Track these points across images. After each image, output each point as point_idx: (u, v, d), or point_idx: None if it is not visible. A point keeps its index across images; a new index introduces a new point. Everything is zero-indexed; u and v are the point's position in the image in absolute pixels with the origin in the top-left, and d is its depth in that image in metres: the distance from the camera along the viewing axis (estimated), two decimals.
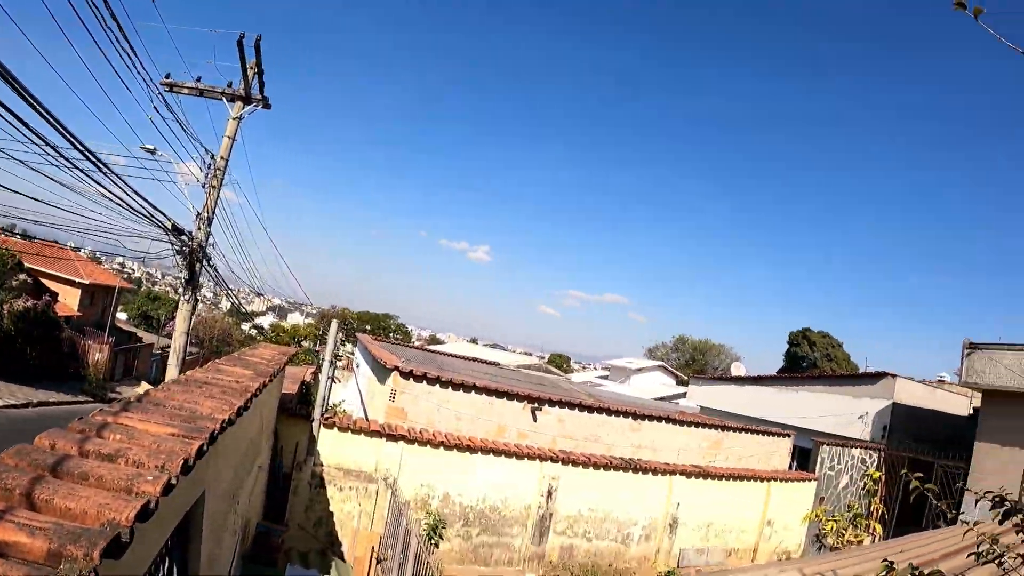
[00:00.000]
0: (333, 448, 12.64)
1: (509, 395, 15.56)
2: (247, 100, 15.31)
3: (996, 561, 3.41)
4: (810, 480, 19.60)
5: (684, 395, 36.95)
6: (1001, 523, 3.37)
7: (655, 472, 15.98)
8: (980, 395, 19.21)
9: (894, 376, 22.93)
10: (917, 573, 2.98)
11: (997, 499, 3.40)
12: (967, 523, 3.83)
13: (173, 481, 2.73)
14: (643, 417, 17.46)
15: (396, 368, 14.36)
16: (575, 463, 14.80)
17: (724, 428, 19.52)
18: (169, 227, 12.94)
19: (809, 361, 53.37)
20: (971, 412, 22.70)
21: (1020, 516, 3.26)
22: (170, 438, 3.34)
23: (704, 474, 16.84)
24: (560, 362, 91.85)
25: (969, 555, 3.78)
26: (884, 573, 3.23)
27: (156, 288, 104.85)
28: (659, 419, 17.85)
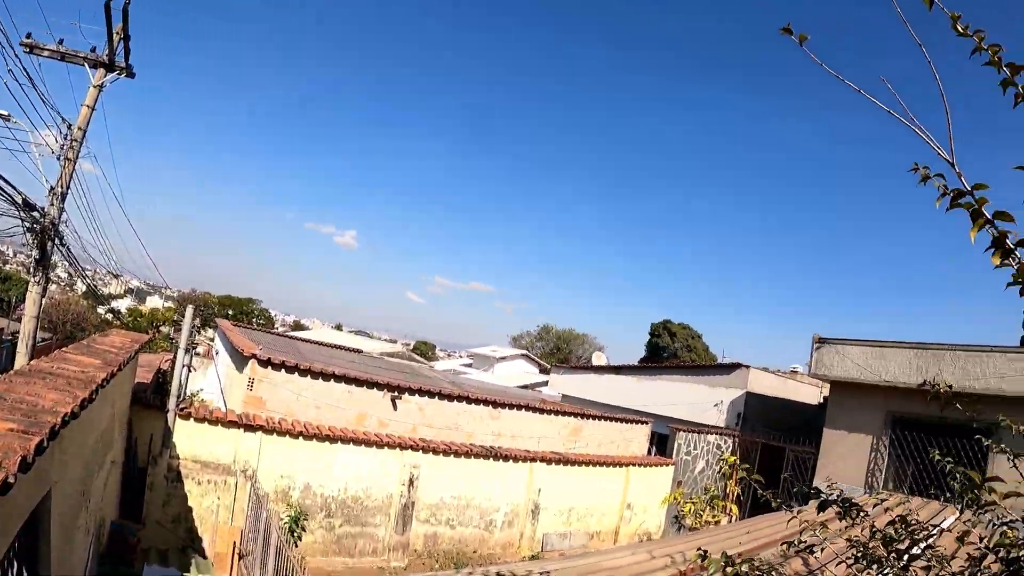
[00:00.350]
0: (190, 440, 12.51)
1: (369, 383, 15.79)
2: (110, 67, 14.72)
3: (807, 551, 3.75)
4: (668, 465, 20.77)
5: (547, 383, 37.76)
6: (818, 513, 3.69)
7: (516, 459, 16.65)
8: (828, 386, 20.60)
9: (748, 367, 24.41)
10: (728, 561, 3.14)
11: (814, 491, 3.72)
12: (790, 510, 4.23)
13: (11, 480, 2.77)
14: (503, 405, 18.12)
15: (254, 356, 14.26)
16: (436, 451, 15.21)
17: (583, 416, 20.50)
18: (19, 201, 12.41)
19: (670, 351, 55.57)
20: (821, 401, 24.21)
21: (836, 505, 3.59)
22: (8, 434, 3.29)
23: (564, 460, 17.69)
24: (425, 349, 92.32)
25: (781, 544, 4.08)
26: (698, 561, 3.40)
27: (7, 268, 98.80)
28: (518, 407, 18.56)
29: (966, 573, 2.81)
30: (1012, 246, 2.07)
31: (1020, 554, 2.57)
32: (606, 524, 19.13)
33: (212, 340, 31.19)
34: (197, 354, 22.51)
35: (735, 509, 20.78)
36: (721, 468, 21.68)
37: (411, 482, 14.89)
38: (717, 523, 19.79)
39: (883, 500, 4.15)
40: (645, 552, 7.31)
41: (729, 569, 3.09)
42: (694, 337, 57.51)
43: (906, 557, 3.01)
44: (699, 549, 3.43)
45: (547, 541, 17.45)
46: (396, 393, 16.05)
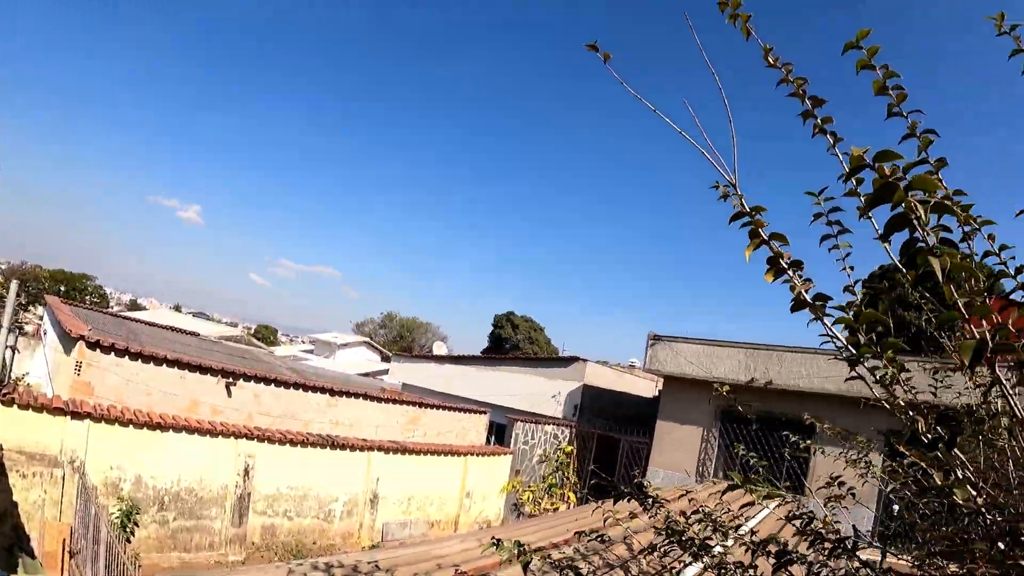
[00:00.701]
0: (14, 428, 11.89)
1: (203, 369, 15.57)
2: None
3: (598, 538, 4.10)
4: (506, 454, 21.39)
5: (388, 372, 37.98)
6: (614, 503, 4.02)
7: (353, 448, 16.80)
8: (662, 380, 21.93)
9: (585, 360, 25.64)
10: (521, 549, 3.26)
11: (611, 484, 4.05)
12: (594, 500, 4.62)
13: None
14: (340, 393, 18.29)
15: (82, 337, 13.73)
16: (272, 440, 15.18)
17: (422, 405, 21.08)
18: None
19: (512, 343, 56.91)
20: (656, 394, 25.48)
21: (633, 498, 3.96)
22: None
23: (403, 449, 18.05)
24: (267, 334, 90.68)
25: (575, 533, 4.40)
26: (490, 548, 3.48)
27: None
28: (356, 395, 18.78)
29: (747, 565, 2.91)
30: (785, 265, 2.17)
31: (787, 548, 2.69)
32: (446, 512, 19.71)
33: (42, 319, 29.76)
34: (24, 334, 21.58)
35: (573, 497, 21.69)
36: (558, 457, 22.57)
37: (247, 472, 14.88)
38: (556, 510, 20.54)
39: (687, 491, 4.54)
40: (475, 540, 7.64)
41: (522, 557, 3.12)
42: (536, 329, 59.35)
43: (696, 545, 3.09)
44: (492, 537, 3.39)
45: (387, 530, 17.80)
46: (231, 379, 15.91)
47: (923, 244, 1.68)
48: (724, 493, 3.15)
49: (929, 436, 2.04)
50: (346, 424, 18.29)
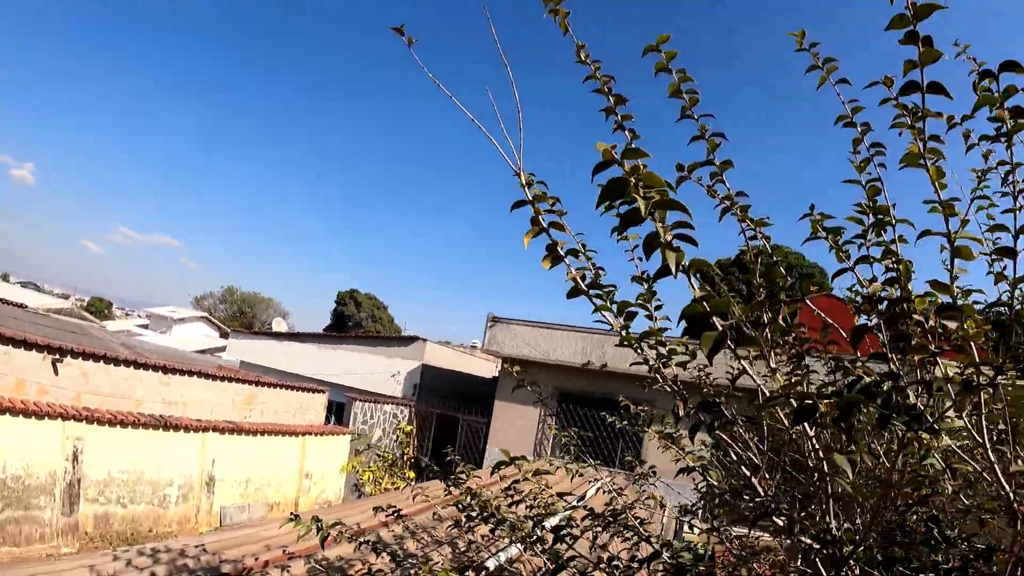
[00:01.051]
0: None
1: (27, 344, 14.75)
2: None
3: (394, 515, 4.35)
4: (345, 434, 21.61)
5: (226, 349, 37.26)
6: (417, 482, 4.35)
7: (187, 429, 16.61)
8: (501, 361, 22.81)
9: (425, 340, 26.32)
10: (319, 526, 3.47)
11: (419, 461, 4.40)
12: (412, 485, 4.93)
13: None
14: (174, 371, 17.81)
15: None
16: (101, 421, 14.79)
17: (259, 383, 20.83)
18: None
19: (355, 321, 56.95)
20: (496, 375, 26.26)
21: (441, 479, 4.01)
22: None
23: (239, 430, 18.02)
24: (101, 307, 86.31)
25: (373, 508, 4.63)
26: (289, 524, 3.72)
27: None
28: (191, 373, 18.35)
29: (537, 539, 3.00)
30: (563, 254, 2.16)
31: (565, 524, 2.79)
32: (285, 494, 19.80)
33: None
34: None
35: (412, 475, 22.18)
36: (398, 437, 23.03)
37: (76, 456, 14.43)
38: (397, 489, 20.90)
39: (498, 470, 4.84)
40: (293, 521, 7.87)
41: (319, 533, 3.46)
42: (380, 308, 59.77)
43: (493, 522, 3.29)
44: (291, 513, 3.79)
45: (225, 514, 17.66)
46: (57, 356, 15.21)
47: (662, 240, 1.68)
48: (492, 472, 3.52)
49: (701, 418, 2.11)
50: (180, 403, 17.86)
